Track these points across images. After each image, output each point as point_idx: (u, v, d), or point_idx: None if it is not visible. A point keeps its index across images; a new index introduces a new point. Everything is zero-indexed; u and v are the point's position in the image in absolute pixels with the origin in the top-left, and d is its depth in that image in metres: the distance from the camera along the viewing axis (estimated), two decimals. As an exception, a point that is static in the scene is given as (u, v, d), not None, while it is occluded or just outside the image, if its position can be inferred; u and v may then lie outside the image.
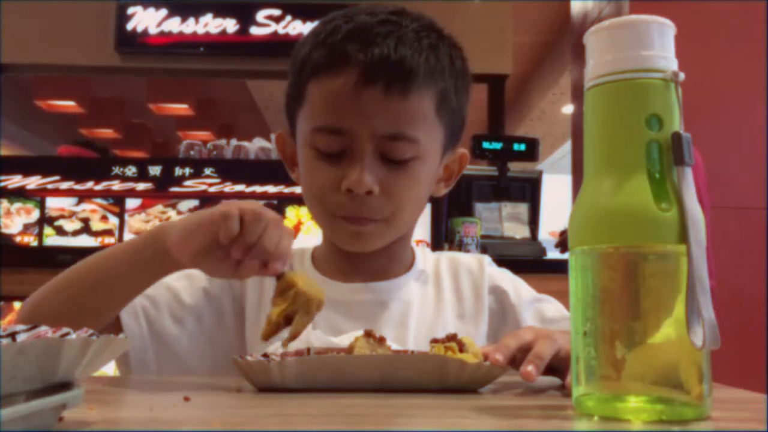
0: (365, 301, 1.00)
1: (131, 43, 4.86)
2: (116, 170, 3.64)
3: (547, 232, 3.67)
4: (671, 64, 0.56)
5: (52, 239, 3.58)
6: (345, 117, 0.91)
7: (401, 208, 0.95)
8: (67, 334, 0.51)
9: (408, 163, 0.93)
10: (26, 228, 3.60)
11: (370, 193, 0.91)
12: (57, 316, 0.85)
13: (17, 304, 2.58)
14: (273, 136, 3.74)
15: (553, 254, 2.76)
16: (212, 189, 3.63)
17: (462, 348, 0.73)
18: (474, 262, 1.09)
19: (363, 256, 1.00)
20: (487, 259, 1.11)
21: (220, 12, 4.85)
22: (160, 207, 3.64)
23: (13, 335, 0.50)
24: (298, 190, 3.84)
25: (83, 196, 3.62)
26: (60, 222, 3.61)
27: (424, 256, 1.10)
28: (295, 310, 0.76)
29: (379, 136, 0.91)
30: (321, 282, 1.01)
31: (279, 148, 1.07)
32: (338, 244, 0.99)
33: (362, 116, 0.90)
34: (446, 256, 1.12)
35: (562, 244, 2.96)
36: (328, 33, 0.93)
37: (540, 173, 2.91)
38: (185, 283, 1.00)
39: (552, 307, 1.05)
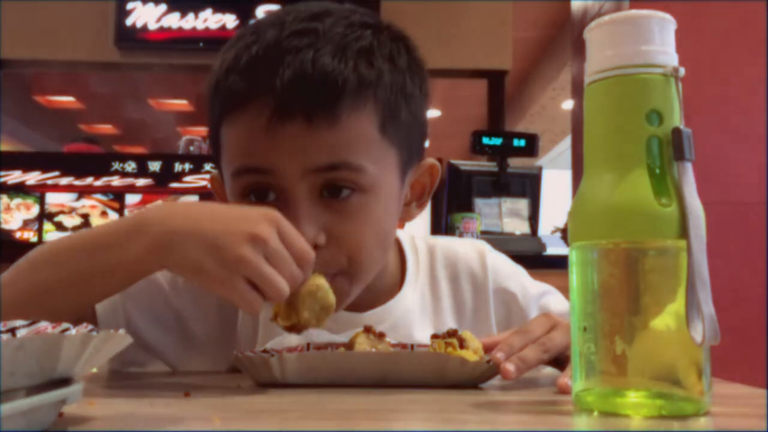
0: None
1: (131, 38, 4.86)
2: (116, 166, 3.65)
3: (550, 228, 3.67)
4: (672, 59, 0.55)
5: (51, 235, 3.59)
6: (264, 155, 0.75)
7: (360, 257, 0.80)
8: (67, 329, 0.51)
9: (356, 200, 0.77)
10: (26, 224, 3.60)
11: (316, 246, 0.75)
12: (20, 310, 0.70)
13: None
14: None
15: (552, 250, 2.77)
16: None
17: (462, 344, 0.73)
18: (474, 259, 0.99)
19: None
20: (486, 248, 1.01)
21: (220, 7, 4.84)
22: (160, 202, 3.64)
23: (12, 331, 0.50)
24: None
25: (83, 192, 3.62)
26: (60, 218, 3.62)
27: (416, 257, 0.98)
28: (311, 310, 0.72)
29: (312, 170, 0.75)
30: None
31: (216, 194, 0.93)
32: None
33: (285, 153, 0.74)
34: (442, 251, 1.00)
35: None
36: (233, 58, 0.78)
37: (540, 169, 2.92)
38: (170, 278, 0.89)
39: (556, 299, 1.00)
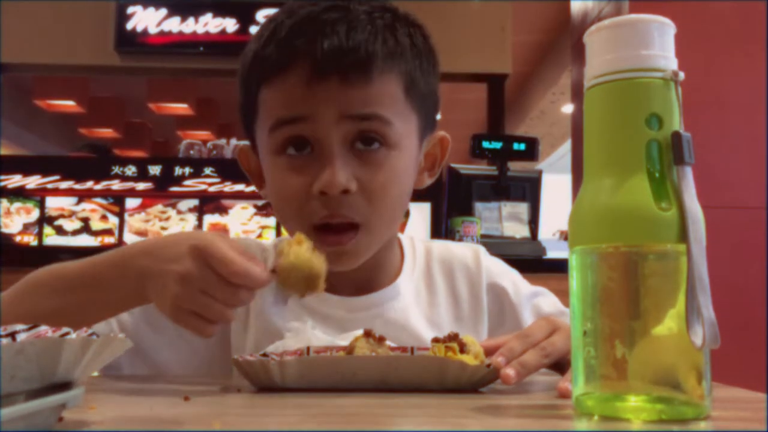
0: (354, 318, 0.93)
1: (131, 42, 4.86)
2: (116, 170, 3.65)
3: (553, 230, 3.68)
4: (671, 63, 0.56)
5: (51, 239, 3.58)
6: (305, 105, 0.82)
7: (382, 208, 0.86)
8: (67, 333, 0.51)
9: (382, 153, 0.84)
10: (26, 227, 3.60)
11: (347, 192, 0.82)
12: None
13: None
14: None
15: (552, 253, 2.76)
16: (212, 189, 3.64)
17: (463, 348, 0.73)
18: (469, 256, 1.03)
19: (335, 274, 0.89)
20: (482, 250, 1.05)
21: (220, 11, 4.85)
22: (160, 206, 3.65)
23: (13, 335, 0.50)
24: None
25: (83, 196, 3.62)
26: (60, 221, 3.61)
27: (414, 253, 1.03)
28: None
29: (347, 117, 0.82)
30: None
31: (243, 164, 0.98)
32: None
33: (324, 101, 0.81)
34: (438, 250, 1.05)
35: None
36: (271, 32, 0.85)
37: (540, 173, 2.91)
38: None
39: (548, 300, 1.02)
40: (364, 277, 0.95)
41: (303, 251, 0.72)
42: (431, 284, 1.01)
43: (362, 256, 0.89)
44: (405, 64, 0.86)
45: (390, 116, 0.84)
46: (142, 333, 0.90)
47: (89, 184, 3.64)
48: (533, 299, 1.02)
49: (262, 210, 3.62)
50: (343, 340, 0.81)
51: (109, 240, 3.61)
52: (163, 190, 3.66)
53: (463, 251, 1.04)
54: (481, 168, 2.99)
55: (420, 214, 3.31)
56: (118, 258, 0.79)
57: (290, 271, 0.71)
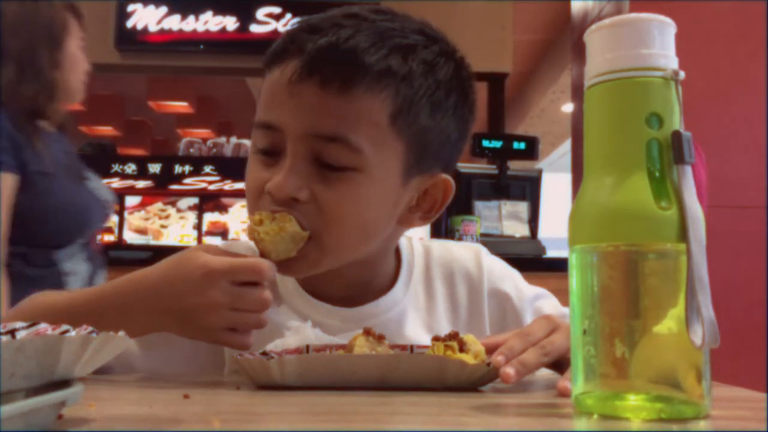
0: (349, 329, 0.86)
1: (131, 40, 4.86)
2: (116, 167, 3.65)
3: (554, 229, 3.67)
4: (671, 62, 0.55)
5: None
6: (279, 112, 0.82)
7: (334, 226, 0.82)
8: (66, 331, 0.51)
9: (346, 173, 0.81)
10: (26, 225, 3.59)
11: (296, 200, 0.81)
12: None
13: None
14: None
15: (552, 252, 2.77)
16: (212, 187, 3.64)
17: (463, 347, 0.73)
18: (470, 259, 1.00)
19: (325, 279, 0.88)
20: (483, 251, 1.03)
21: (220, 10, 4.85)
22: (159, 204, 3.65)
23: (12, 332, 0.50)
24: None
25: (83, 194, 3.61)
26: (59, 219, 3.60)
27: (412, 255, 0.99)
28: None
29: (312, 136, 0.80)
30: (300, 299, 0.93)
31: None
32: None
33: (295, 112, 0.80)
34: (438, 251, 1.01)
35: None
36: (291, 28, 0.85)
37: (540, 172, 2.92)
38: None
39: (549, 303, 1.01)
40: (354, 284, 0.93)
41: (268, 227, 0.79)
42: (430, 289, 0.98)
43: (311, 268, 0.85)
44: (405, 87, 0.81)
45: (360, 142, 0.80)
46: (130, 350, 0.88)
47: (89, 181, 3.63)
48: (535, 302, 1.01)
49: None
50: (343, 339, 0.81)
51: (109, 238, 3.60)
52: (163, 188, 3.67)
53: (464, 253, 1.02)
54: (481, 167, 3.00)
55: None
56: (114, 295, 0.80)
57: (276, 245, 0.79)
